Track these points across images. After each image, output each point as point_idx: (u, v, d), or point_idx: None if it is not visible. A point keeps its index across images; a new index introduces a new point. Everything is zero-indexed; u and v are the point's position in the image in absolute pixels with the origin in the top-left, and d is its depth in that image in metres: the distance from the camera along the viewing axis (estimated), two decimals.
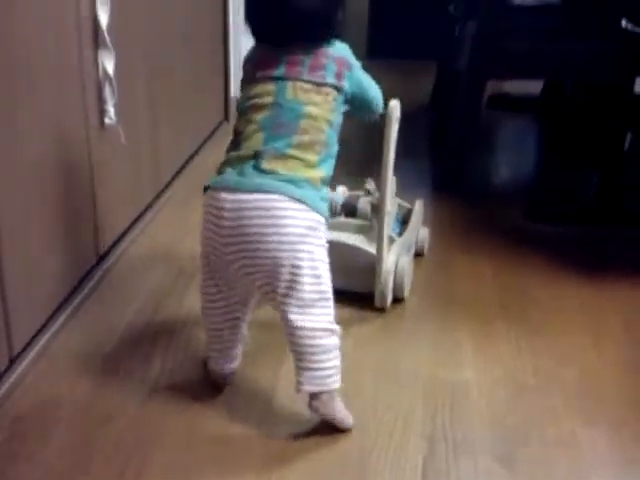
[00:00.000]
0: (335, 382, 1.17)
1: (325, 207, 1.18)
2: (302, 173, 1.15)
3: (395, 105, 1.40)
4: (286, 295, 1.13)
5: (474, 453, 1.17)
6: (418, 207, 1.76)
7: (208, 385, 1.30)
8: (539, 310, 1.57)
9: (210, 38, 2.50)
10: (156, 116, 1.95)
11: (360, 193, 1.69)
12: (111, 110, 1.59)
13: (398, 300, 1.58)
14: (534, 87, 2.94)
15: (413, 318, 1.55)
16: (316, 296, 1.14)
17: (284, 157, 1.14)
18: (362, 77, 1.25)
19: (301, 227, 1.13)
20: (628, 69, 2.02)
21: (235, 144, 1.20)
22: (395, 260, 1.55)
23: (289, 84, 1.17)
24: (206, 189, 1.18)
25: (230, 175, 1.15)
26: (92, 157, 1.56)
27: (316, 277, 1.14)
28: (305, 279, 1.13)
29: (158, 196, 2.02)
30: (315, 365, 1.15)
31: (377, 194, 1.58)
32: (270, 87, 1.18)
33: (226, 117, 2.76)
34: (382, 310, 1.55)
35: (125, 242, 1.78)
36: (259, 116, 1.17)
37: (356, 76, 1.24)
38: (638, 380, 1.36)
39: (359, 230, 1.63)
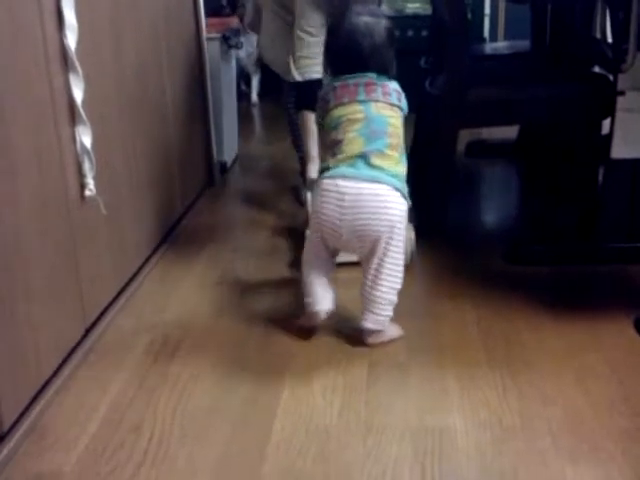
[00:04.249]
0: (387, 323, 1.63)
1: (408, 198, 1.60)
2: (396, 168, 1.59)
3: None
4: (381, 259, 1.57)
5: None
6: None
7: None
8: (523, 352, 1.59)
9: (190, 106, 2.55)
10: (137, 184, 1.98)
11: None
12: (91, 182, 1.62)
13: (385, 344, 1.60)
14: (510, 132, 2.99)
15: (399, 365, 1.56)
16: (398, 263, 1.59)
17: (383, 155, 1.57)
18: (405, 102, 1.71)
19: (398, 210, 1.56)
20: (596, 110, 2.06)
21: (336, 150, 1.60)
22: None
23: (372, 104, 1.61)
24: (320, 177, 1.60)
25: (346, 168, 1.56)
26: (74, 229, 1.59)
27: (400, 248, 1.58)
28: (395, 249, 1.57)
29: (143, 264, 2.05)
30: (381, 312, 1.60)
31: None
32: (358, 107, 1.61)
33: (211, 182, 2.80)
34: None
35: (111, 313, 1.79)
36: (355, 127, 1.59)
37: (405, 101, 1.69)
38: (622, 416, 1.37)
39: None
